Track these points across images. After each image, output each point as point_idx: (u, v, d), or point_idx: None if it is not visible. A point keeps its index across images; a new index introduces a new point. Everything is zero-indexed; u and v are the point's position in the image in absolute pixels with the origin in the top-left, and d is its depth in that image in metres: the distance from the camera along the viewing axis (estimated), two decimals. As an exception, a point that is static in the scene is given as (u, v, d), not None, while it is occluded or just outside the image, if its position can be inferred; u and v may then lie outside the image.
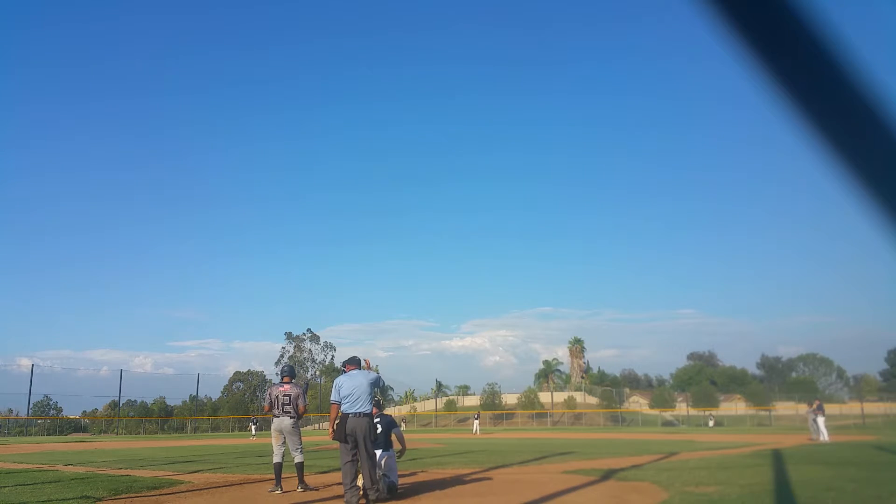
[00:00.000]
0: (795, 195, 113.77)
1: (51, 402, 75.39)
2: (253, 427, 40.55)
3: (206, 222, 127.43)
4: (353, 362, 8.16)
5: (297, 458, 9.21)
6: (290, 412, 9.25)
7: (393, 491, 8.13)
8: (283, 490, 8.82)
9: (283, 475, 9.06)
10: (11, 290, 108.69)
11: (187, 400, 69.59)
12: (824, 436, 23.12)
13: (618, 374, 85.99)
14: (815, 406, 24.40)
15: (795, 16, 0.71)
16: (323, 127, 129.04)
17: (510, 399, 72.13)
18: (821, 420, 23.59)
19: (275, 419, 9.40)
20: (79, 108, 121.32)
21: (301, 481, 9.13)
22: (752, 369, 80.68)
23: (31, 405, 53.23)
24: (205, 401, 72.95)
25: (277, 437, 9.36)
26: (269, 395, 9.52)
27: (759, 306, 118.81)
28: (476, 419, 46.86)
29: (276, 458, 9.17)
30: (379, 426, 8.53)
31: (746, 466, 12.00)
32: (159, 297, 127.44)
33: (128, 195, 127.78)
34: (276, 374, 79.80)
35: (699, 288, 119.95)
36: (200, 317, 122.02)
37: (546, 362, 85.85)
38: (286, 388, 9.38)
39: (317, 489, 9.13)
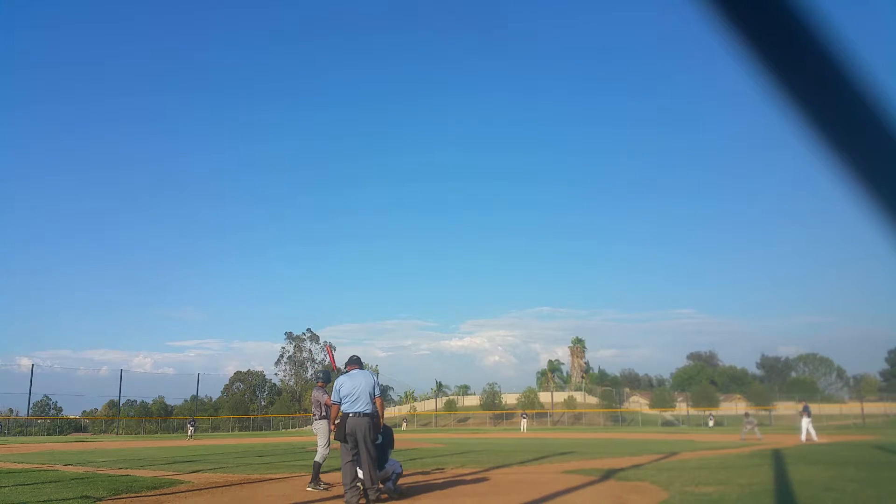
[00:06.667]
0: (795, 195, 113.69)
1: (51, 402, 75.32)
2: (190, 428, 40.80)
3: (206, 222, 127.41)
4: (354, 362, 8.17)
5: (315, 458, 9.67)
6: (315, 414, 9.95)
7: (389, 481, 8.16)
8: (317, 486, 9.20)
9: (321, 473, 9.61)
10: (11, 290, 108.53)
11: (188, 399, 69.61)
12: (802, 435, 23.60)
13: (618, 374, 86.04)
14: (801, 407, 25.36)
15: (795, 15, 0.71)
16: (322, 127, 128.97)
17: (510, 399, 72.09)
18: (804, 421, 23.92)
19: None
20: (78, 109, 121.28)
21: (311, 479, 9.38)
22: (752, 369, 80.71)
23: (31, 405, 53.32)
24: (205, 401, 73.03)
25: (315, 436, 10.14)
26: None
27: (759, 306, 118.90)
28: (524, 418, 47.01)
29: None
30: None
31: (746, 466, 12.00)
32: (159, 297, 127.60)
33: (127, 195, 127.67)
34: (275, 374, 79.64)
35: (699, 288, 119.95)
36: (200, 317, 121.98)
37: (550, 362, 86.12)
38: (315, 392, 10.10)
39: (329, 487, 9.19)
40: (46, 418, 67.10)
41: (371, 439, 7.69)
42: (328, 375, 10.36)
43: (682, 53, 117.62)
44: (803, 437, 23.47)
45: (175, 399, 74.00)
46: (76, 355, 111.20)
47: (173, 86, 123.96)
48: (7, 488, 9.73)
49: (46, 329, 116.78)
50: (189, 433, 40.17)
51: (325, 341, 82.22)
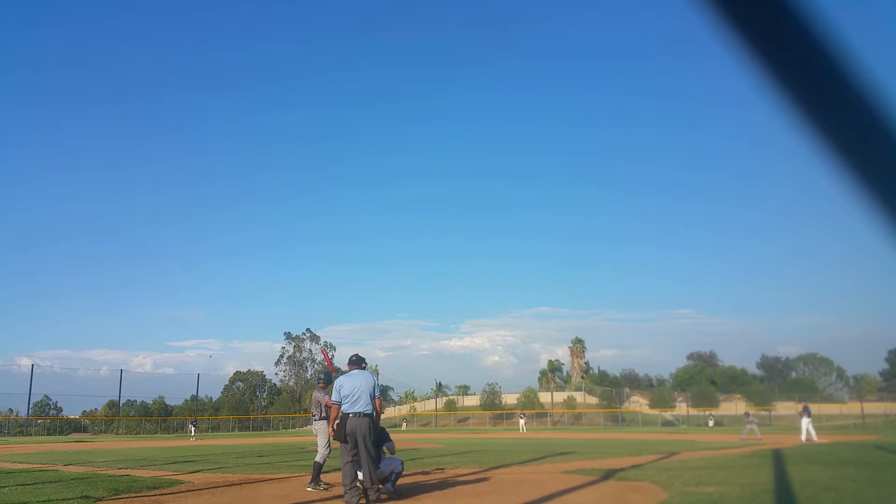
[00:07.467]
0: (795, 195, 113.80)
1: (51, 402, 75.29)
2: (192, 428, 40.68)
3: (206, 222, 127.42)
4: (355, 362, 8.16)
5: (315, 458, 9.65)
6: (315, 415, 9.94)
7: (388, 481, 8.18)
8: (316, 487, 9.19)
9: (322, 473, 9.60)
10: (11, 290, 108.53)
11: (188, 399, 69.60)
12: (802, 435, 23.68)
13: (618, 374, 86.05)
14: (801, 407, 25.54)
15: (795, 16, 0.71)
16: (322, 127, 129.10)
17: (510, 399, 72.09)
18: (804, 421, 24.01)
19: None
20: (77, 109, 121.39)
21: (311, 479, 9.37)
22: (752, 369, 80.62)
23: (31, 405, 53.34)
24: (205, 401, 73.02)
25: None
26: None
27: (759, 306, 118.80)
28: (522, 418, 46.90)
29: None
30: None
31: (746, 466, 12.00)
32: (159, 297, 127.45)
33: (127, 196, 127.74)
34: (275, 374, 79.47)
35: (699, 288, 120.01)
36: (200, 317, 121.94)
37: (550, 362, 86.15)
38: (316, 392, 10.08)
39: (329, 487, 9.20)
40: (46, 418, 67.10)
41: (371, 440, 7.70)
42: (329, 376, 10.31)
43: (682, 53, 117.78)
44: (803, 437, 23.53)
45: (175, 399, 74.18)
46: (76, 355, 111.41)
47: (174, 86, 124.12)
48: (7, 488, 9.73)
49: (46, 329, 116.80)
50: (191, 434, 40.13)
51: (325, 342, 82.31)
